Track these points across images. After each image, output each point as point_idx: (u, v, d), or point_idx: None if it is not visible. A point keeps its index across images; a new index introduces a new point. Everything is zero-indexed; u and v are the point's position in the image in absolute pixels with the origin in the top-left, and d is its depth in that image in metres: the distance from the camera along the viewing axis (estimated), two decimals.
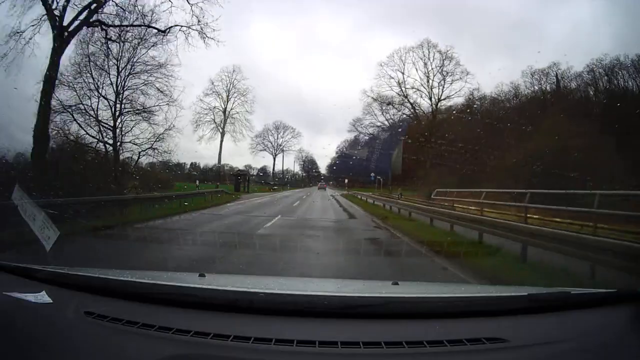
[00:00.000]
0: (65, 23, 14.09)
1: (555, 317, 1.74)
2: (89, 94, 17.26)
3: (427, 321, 1.68)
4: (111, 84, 17.92)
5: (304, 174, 50.43)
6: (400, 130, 31.65)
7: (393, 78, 32.02)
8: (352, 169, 36.74)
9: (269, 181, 43.07)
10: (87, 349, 1.53)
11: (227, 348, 1.46)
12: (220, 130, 32.06)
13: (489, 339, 1.51)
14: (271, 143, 40.77)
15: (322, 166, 49.01)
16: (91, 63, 17.38)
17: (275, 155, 41.43)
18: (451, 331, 1.57)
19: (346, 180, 40.33)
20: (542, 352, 1.50)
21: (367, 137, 36.91)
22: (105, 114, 17.72)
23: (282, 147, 41.47)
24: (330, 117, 62.22)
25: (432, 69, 31.72)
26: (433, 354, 1.47)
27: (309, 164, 48.28)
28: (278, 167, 44.10)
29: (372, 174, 32.62)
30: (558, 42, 34.35)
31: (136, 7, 16.73)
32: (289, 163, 48.63)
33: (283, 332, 1.54)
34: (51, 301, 1.79)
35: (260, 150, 40.41)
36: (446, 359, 1.47)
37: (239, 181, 34.75)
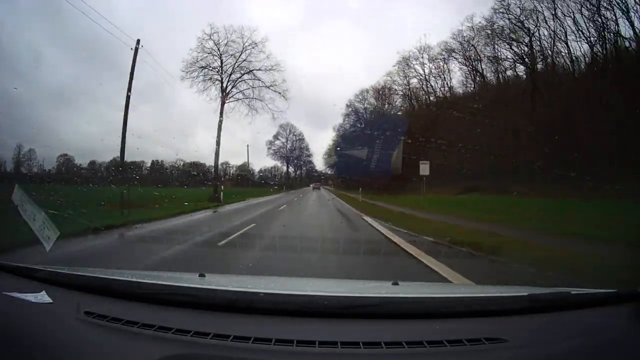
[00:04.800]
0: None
1: (555, 317, 1.73)
2: None
3: (427, 321, 1.68)
4: None
5: (293, 171, 43.00)
6: None
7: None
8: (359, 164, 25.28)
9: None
10: (87, 349, 1.53)
11: (227, 348, 1.46)
12: None
13: (489, 339, 1.51)
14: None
15: (320, 166, 45.00)
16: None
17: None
18: (451, 331, 1.57)
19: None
20: (542, 352, 1.50)
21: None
22: None
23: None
24: (330, 115, 60.30)
25: None
26: (433, 354, 1.47)
27: (298, 145, 40.26)
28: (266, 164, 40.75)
29: None
30: None
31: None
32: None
33: (283, 332, 1.54)
34: (51, 301, 1.79)
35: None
36: (446, 359, 1.47)
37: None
